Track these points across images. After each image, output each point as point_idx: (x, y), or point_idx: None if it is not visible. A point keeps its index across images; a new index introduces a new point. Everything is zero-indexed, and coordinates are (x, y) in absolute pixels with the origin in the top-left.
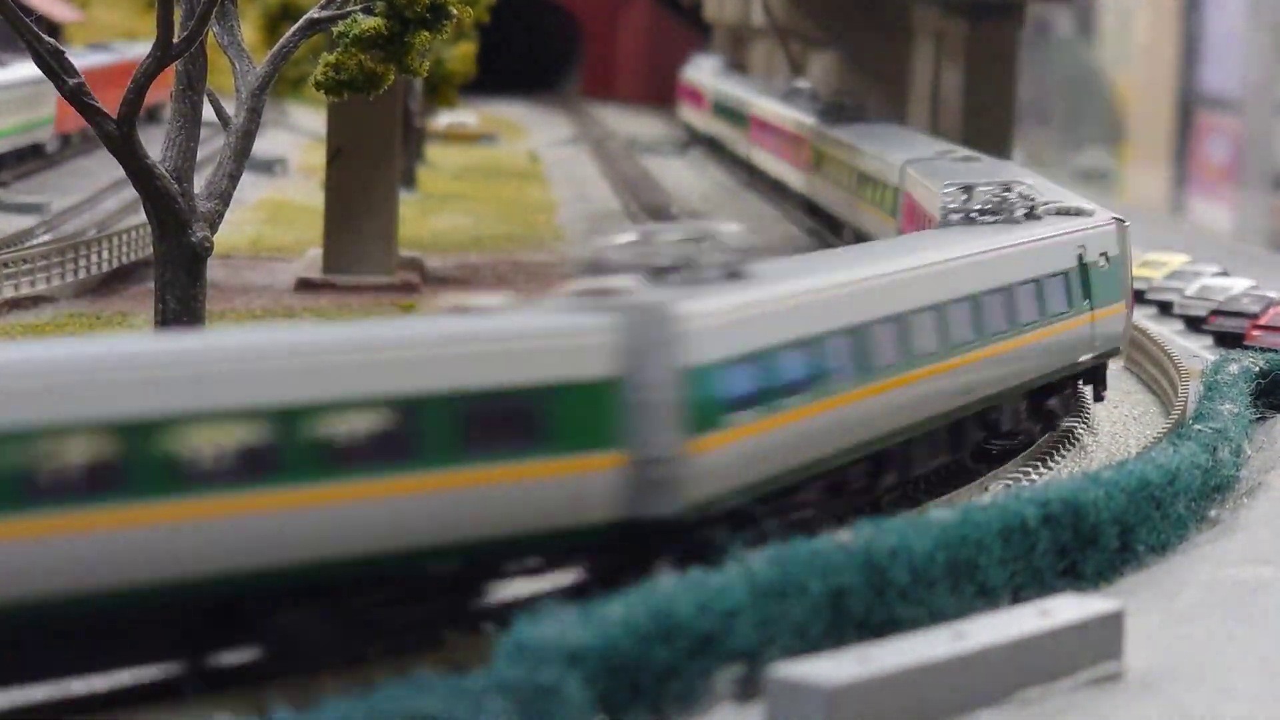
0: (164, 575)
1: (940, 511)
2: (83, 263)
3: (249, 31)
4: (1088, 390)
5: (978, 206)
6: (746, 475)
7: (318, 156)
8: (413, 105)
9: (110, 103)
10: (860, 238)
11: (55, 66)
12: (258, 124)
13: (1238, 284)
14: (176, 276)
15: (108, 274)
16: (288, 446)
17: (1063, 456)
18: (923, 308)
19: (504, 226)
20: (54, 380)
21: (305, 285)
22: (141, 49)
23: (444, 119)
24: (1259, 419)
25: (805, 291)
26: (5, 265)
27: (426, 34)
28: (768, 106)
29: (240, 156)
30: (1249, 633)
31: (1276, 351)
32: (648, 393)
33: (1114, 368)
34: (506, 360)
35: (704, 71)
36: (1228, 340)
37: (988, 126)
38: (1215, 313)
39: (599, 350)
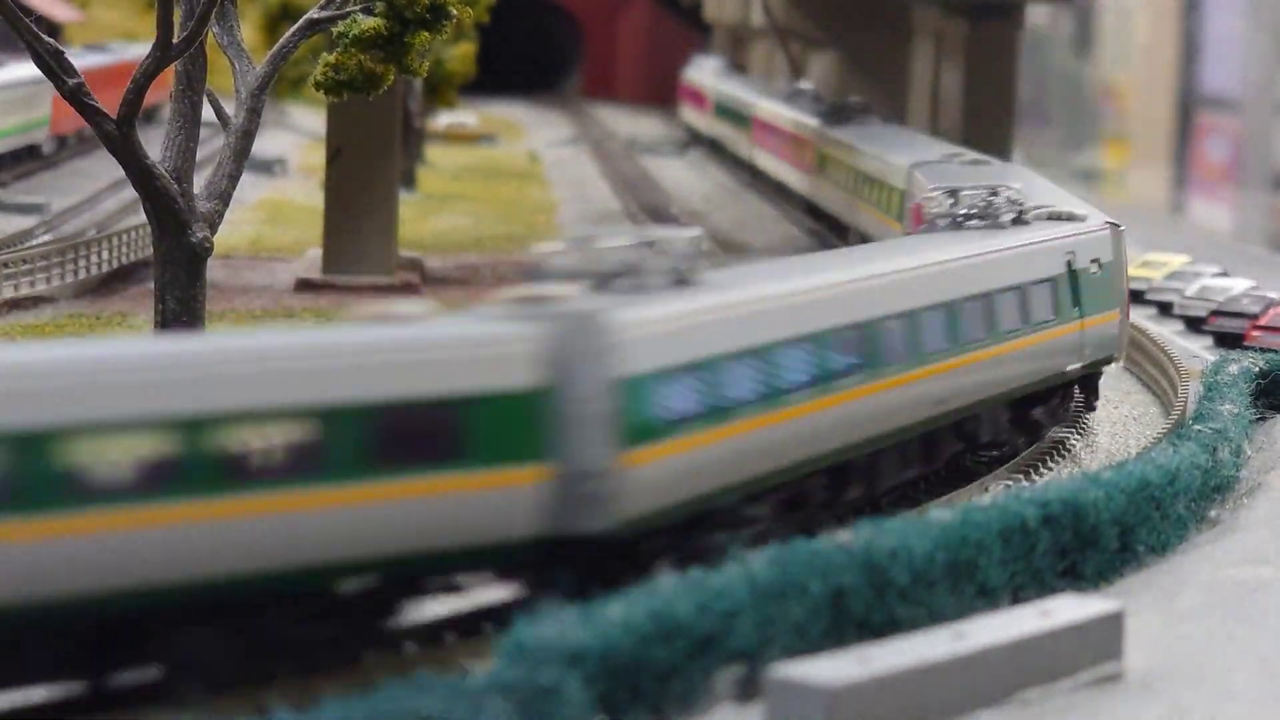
0: (55, 592)
1: (940, 512)
2: (82, 263)
3: (249, 31)
4: (1095, 392)
5: (963, 211)
6: (689, 489)
7: (317, 157)
8: (412, 105)
9: (107, 104)
10: (864, 241)
11: (55, 67)
12: (257, 124)
13: (1238, 284)
14: (176, 277)
15: (107, 274)
16: (188, 459)
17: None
18: (889, 315)
19: (504, 227)
20: None
21: (305, 285)
22: (138, 50)
23: (444, 119)
24: (1259, 419)
25: (757, 299)
26: (5, 265)
27: (426, 34)
28: (770, 108)
29: (240, 157)
30: (1249, 633)
31: (1276, 352)
32: (577, 404)
33: (1113, 368)
34: (422, 370)
35: (705, 72)
36: (1227, 341)
37: (988, 126)
38: (1215, 313)
39: (522, 360)
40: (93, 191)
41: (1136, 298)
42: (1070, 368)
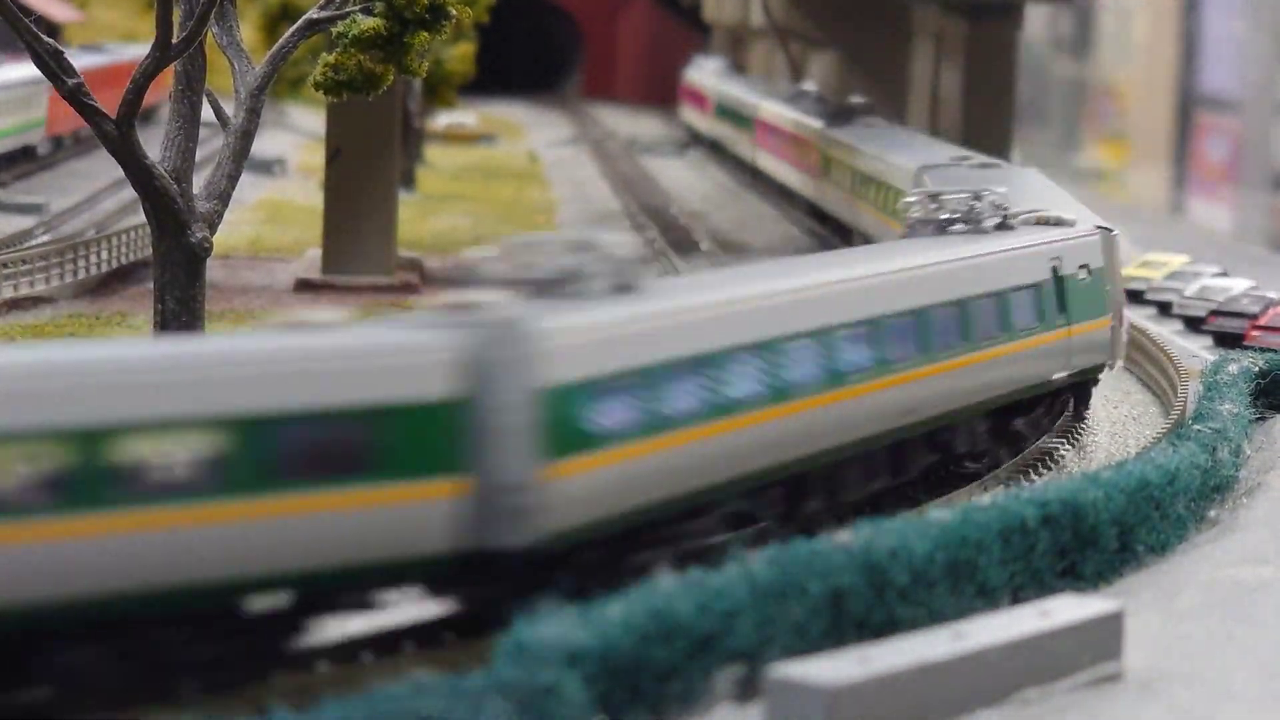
0: None
1: (940, 512)
2: (82, 263)
3: (248, 32)
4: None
5: (944, 216)
6: (624, 502)
7: (317, 157)
8: (412, 106)
9: (104, 104)
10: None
11: (55, 67)
12: (257, 124)
13: (1237, 284)
14: (175, 277)
15: (107, 274)
16: (83, 471)
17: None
18: (849, 322)
19: (504, 227)
20: None
21: (304, 286)
22: (135, 50)
23: (443, 119)
24: (1258, 419)
25: (702, 306)
26: (4, 266)
27: (426, 34)
28: (774, 109)
29: (239, 157)
30: (1249, 633)
31: (1276, 352)
32: (497, 414)
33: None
34: (331, 380)
35: (706, 73)
36: (1227, 340)
37: (987, 126)
38: (1215, 313)
39: (437, 369)
40: (92, 192)
41: (1136, 298)
42: (1056, 376)
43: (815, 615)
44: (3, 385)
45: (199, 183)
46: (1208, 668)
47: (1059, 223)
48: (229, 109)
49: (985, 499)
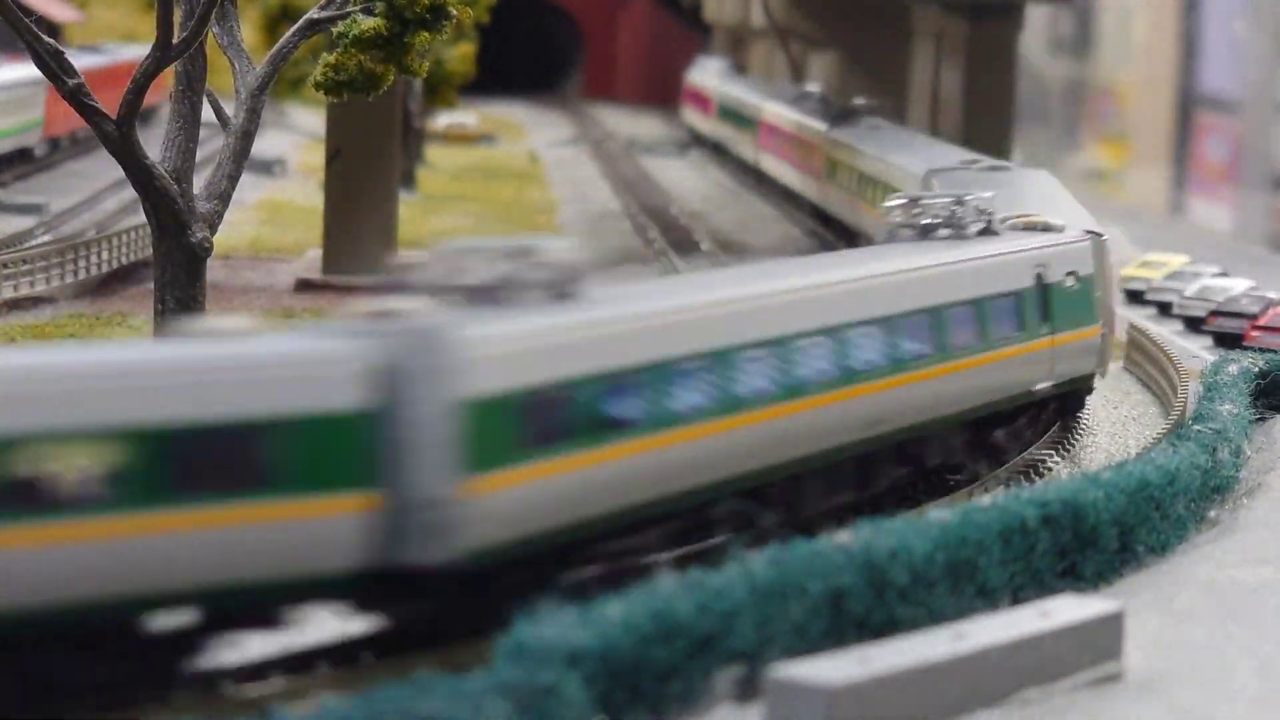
0: None
1: (940, 512)
2: (82, 263)
3: (248, 32)
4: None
5: (925, 222)
6: (554, 518)
7: (317, 157)
8: (412, 106)
9: (103, 105)
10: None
11: (55, 67)
12: (257, 124)
13: (1237, 285)
14: (176, 277)
15: (107, 274)
16: None
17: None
18: (807, 331)
19: (504, 227)
20: None
21: (304, 286)
22: (133, 51)
23: (443, 120)
24: (1258, 419)
25: (645, 315)
26: (5, 266)
27: (426, 34)
28: (778, 111)
29: (239, 157)
30: (1249, 633)
31: (1276, 352)
32: (413, 427)
33: (1112, 370)
34: (232, 390)
35: (709, 74)
36: (1227, 341)
37: (987, 126)
38: (1214, 313)
39: (346, 380)
40: (92, 192)
41: (1136, 298)
42: (1039, 387)
43: (815, 615)
44: None
45: (199, 183)
46: (1207, 667)
47: (1047, 228)
48: (229, 109)
49: (985, 499)
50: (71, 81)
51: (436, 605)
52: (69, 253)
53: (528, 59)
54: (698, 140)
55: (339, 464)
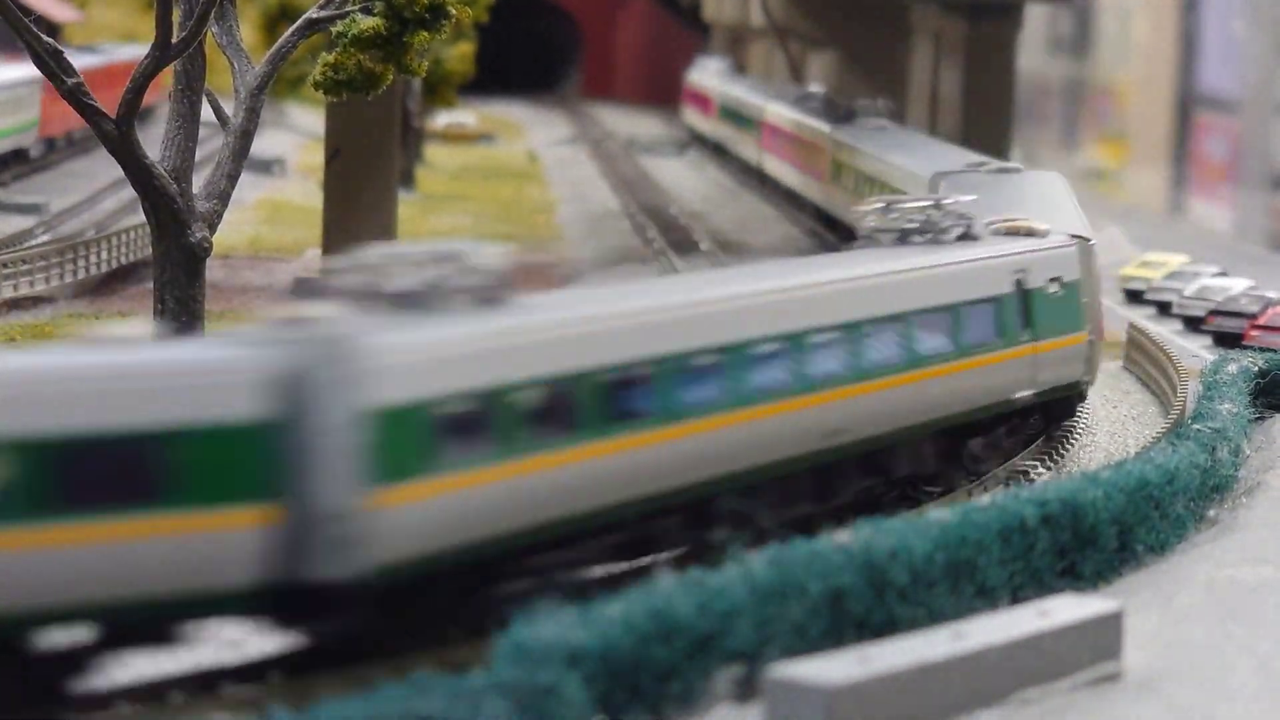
0: None
1: (939, 512)
2: (82, 263)
3: (248, 31)
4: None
5: (901, 226)
6: (475, 531)
7: (316, 156)
8: (411, 105)
9: (100, 105)
10: None
11: (54, 67)
12: (256, 124)
13: (1237, 284)
14: (175, 276)
15: (107, 274)
16: None
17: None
18: (757, 339)
19: (503, 227)
20: None
21: (304, 285)
22: (130, 51)
23: (443, 119)
24: (1258, 419)
25: (574, 322)
26: (4, 266)
27: (425, 34)
28: (781, 112)
29: (239, 156)
30: (1248, 633)
31: (1275, 351)
32: (317, 437)
33: (1111, 369)
34: (126, 400)
35: (710, 75)
36: (1226, 340)
37: (987, 126)
38: (1214, 313)
39: (243, 389)
40: (91, 191)
41: (1136, 297)
42: (1020, 395)
43: (815, 615)
44: None
45: (199, 182)
46: (1207, 667)
47: (1031, 233)
48: (229, 109)
49: (985, 499)
50: (71, 81)
51: (351, 622)
52: (69, 252)
53: (527, 59)
54: (699, 141)
55: (236, 476)
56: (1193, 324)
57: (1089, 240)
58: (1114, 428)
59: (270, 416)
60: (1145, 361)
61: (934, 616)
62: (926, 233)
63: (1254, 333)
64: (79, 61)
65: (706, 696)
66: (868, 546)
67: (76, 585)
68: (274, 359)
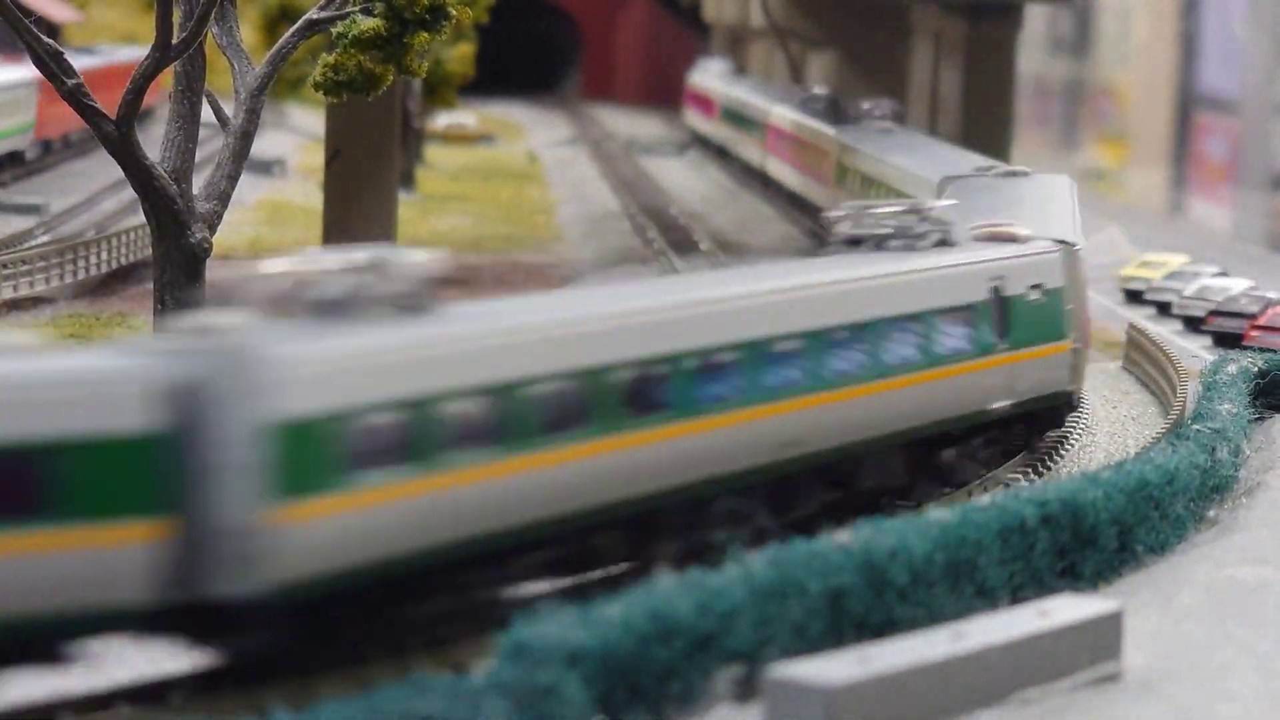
0: None
1: (939, 512)
2: (82, 264)
3: (248, 32)
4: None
5: (874, 232)
6: (390, 547)
7: (316, 157)
8: (411, 106)
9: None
10: None
11: (54, 68)
12: (256, 125)
13: (1236, 284)
14: (175, 277)
15: (107, 275)
16: None
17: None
18: (703, 349)
19: (503, 227)
20: None
21: None
22: (129, 52)
23: (443, 120)
24: (1257, 419)
25: (501, 331)
26: (4, 266)
27: (425, 35)
28: (786, 114)
29: (239, 157)
30: (1248, 633)
31: (1275, 352)
32: (213, 450)
33: (1111, 369)
34: (7, 411)
35: (712, 77)
36: (1226, 340)
37: (986, 126)
38: (1214, 313)
39: (132, 400)
40: (91, 192)
41: (1135, 298)
42: (996, 405)
43: (814, 615)
44: None
45: (199, 183)
46: (1207, 667)
47: (1012, 239)
48: (229, 109)
49: (984, 499)
50: (70, 82)
51: (257, 641)
52: (68, 253)
53: (527, 59)
54: (701, 143)
55: (124, 490)
56: (1192, 324)
57: (1075, 246)
58: (1114, 428)
59: (162, 428)
60: (1145, 362)
61: (934, 616)
62: (900, 238)
63: (1254, 333)
64: (78, 63)
65: (706, 696)
66: (867, 546)
67: None
68: (168, 369)
